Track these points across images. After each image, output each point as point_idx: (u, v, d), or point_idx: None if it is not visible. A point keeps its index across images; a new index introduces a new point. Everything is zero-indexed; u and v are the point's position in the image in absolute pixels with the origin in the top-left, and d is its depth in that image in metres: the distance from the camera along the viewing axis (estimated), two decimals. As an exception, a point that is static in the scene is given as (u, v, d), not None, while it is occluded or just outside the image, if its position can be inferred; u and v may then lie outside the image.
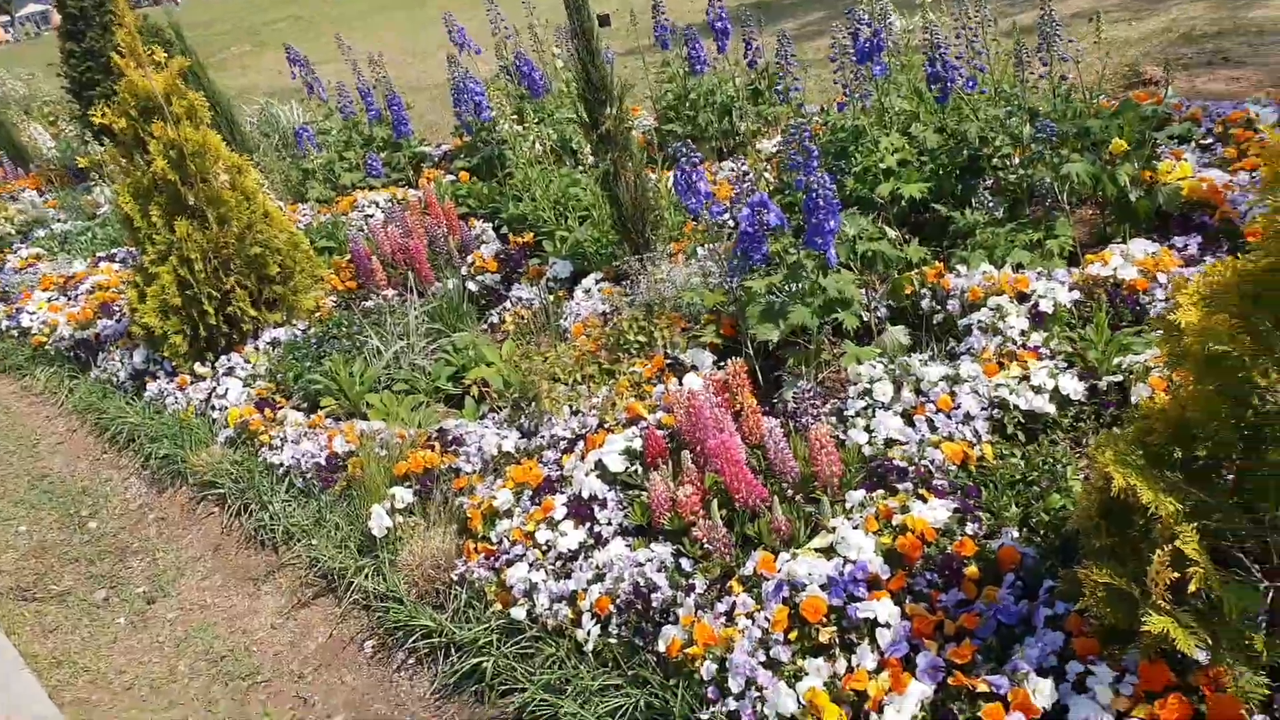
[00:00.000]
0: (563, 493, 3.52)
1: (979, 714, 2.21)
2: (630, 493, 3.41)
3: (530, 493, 3.58)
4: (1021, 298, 3.78)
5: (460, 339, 5.24)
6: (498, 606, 3.25)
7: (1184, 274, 3.72)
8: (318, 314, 6.05)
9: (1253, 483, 2.07)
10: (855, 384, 3.55)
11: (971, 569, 2.59)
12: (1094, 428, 3.18)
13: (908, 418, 3.31)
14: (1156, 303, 3.63)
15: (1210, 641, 1.94)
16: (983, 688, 2.24)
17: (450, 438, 4.16)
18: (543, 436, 3.94)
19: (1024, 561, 2.57)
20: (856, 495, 2.95)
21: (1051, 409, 3.19)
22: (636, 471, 3.47)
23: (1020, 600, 2.46)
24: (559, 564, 3.23)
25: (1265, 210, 1.94)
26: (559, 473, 3.65)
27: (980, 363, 3.44)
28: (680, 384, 3.95)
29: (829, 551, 2.79)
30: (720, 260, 4.33)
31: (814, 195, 3.36)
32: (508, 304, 5.62)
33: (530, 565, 3.25)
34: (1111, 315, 3.73)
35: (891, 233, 4.46)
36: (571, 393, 4.17)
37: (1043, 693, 2.18)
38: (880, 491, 2.98)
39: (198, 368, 5.62)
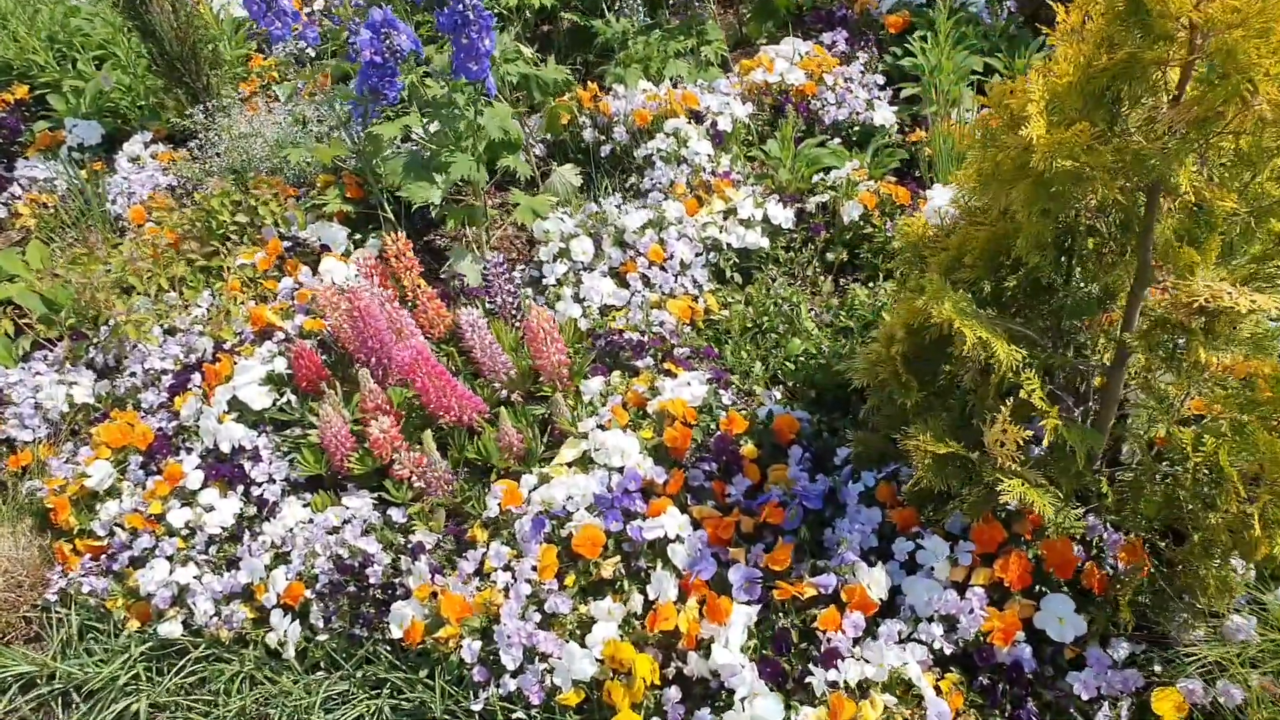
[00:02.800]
0: (189, 450, 2.58)
1: (813, 624, 1.89)
2: (286, 433, 2.57)
3: (140, 458, 2.58)
4: (694, 117, 3.37)
5: (-43, 247, 3.72)
6: (134, 624, 2.32)
7: (846, 74, 3.54)
8: None
9: (1068, 308, 1.87)
10: (545, 244, 2.94)
11: (748, 448, 2.22)
12: (809, 257, 2.92)
13: (619, 277, 2.81)
14: (829, 107, 3.42)
15: (1060, 495, 1.75)
16: (810, 592, 1.91)
17: (-16, 398, 2.91)
18: (132, 374, 2.87)
19: (803, 428, 2.26)
20: (594, 385, 2.42)
21: (765, 243, 2.87)
22: (289, 403, 2.62)
23: (814, 475, 2.15)
24: (215, 550, 2.36)
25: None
26: (175, 422, 2.67)
27: (677, 200, 3.00)
28: (315, 273, 3.07)
29: (584, 463, 2.26)
30: (330, 101, 3.37)
31: (460, 7, 2.57)
32: (15, 188, 4.10)
33: (171, 559, 2.34)
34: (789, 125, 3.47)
35: (526, 50, 3.78)
36: (157, 305, 3.08)
37: (879, 583, 1.90)
38: (617, 374, 2.48)
39: None
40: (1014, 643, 1.81)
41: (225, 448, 2.50)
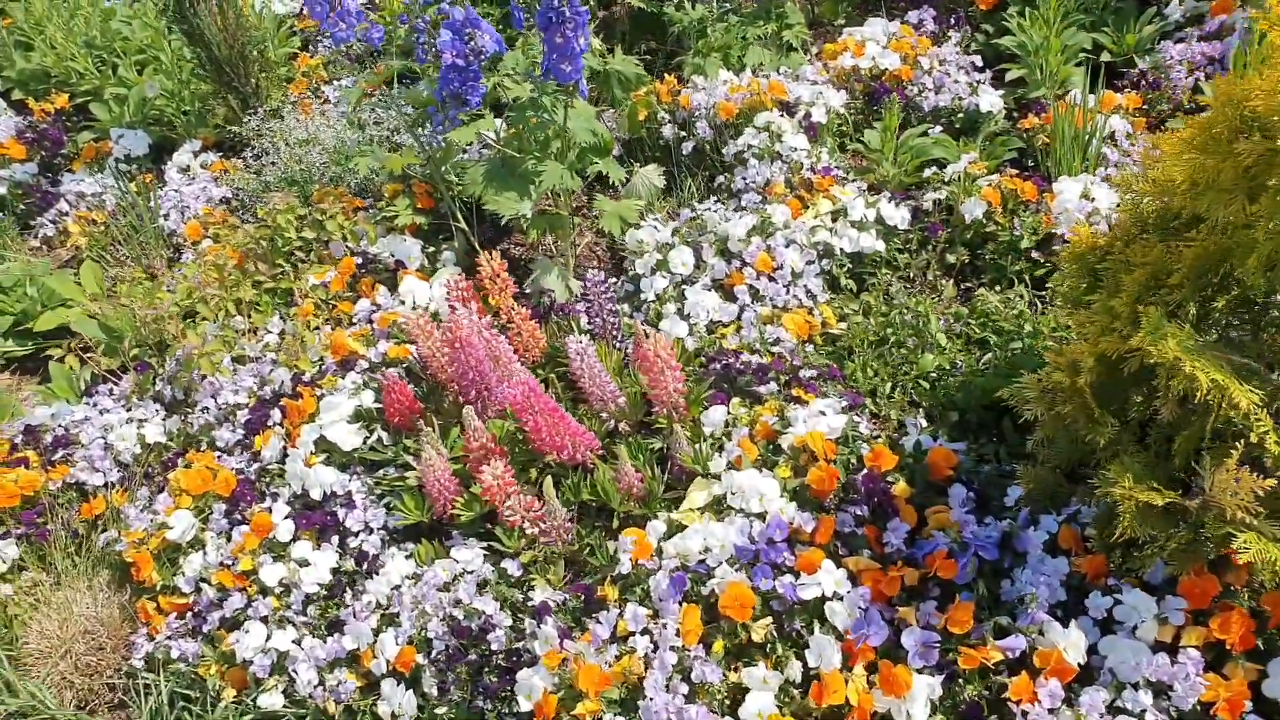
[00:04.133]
0: (274, 495, 2.39)
1: (1002, 694, 1.68)
2: (379, 475, 2.37)
3: (223, 506, 2.40)
4: (783, 108, 3.13)
5: (5, 270, 3.55)
6: (230, 693, 2.15)
7: (940, 54, 3.28)
8: None
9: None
10: (639, 255, 2.73)
11: (900, 486, 2.01)
12: (927, 260, 2.69)
13: (723, 290, 2.59)
14: (927, 92, 3.17)
15: (1304, 551, 1.53)
16: (996, 656, 1.70)
17: (52, 438, 2.73)
18: (204, 409, 2.69)
19: (960, 462, 2.04)
20: (715, 416, 2.21)
21: (880, 245, 2.63)
22: (380, 441, 2.43)
23: (981, 517, 1.93)
24: (314, 611, 2.18)
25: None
26: (256, 464, 2.48)
27: (777, 201, 2.76)
28: (394, 293, 2.87)
29: (717, 507, 2.05)
30: (390, 104, 3.15)
31: (555, 3, 2.35)
32: (64, 204, 3.93)
33: (266, 621, 2.16)
34: (875, 114, 3.23)
35: (595, 41, 3.54)
36: (224, 332, 2.89)
37: (1076, 646, 1.69)
38: (737, 401, 2.27)
39: None
40: (1241, 715, 1.59)
41: (316, 494, 2.31)
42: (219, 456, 2.55)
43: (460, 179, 3.17)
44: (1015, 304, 2.45)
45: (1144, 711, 1.63)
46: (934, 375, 2.36)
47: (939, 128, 3.12)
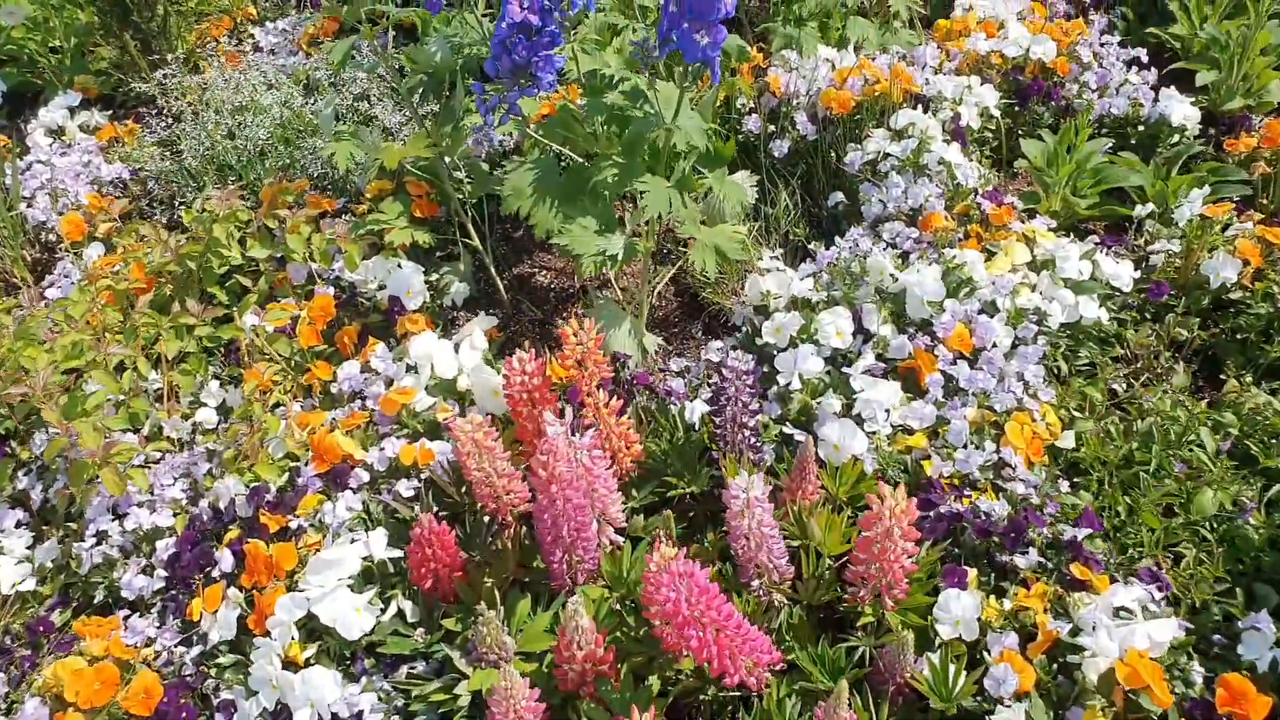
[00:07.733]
0: (226, 709, 1.48)
1: None
2: (403, 674, 1.49)
3: (140, 725, 1.47)
4: (919, 104, 2.34)
5: None
6: None
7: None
8: None
9: None
10: (762, 314, 1.90)
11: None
12: (1157, 338, 1.96)
13: (902, 378, 1.79)
14: (1088, 90, 2.44)
15: None
16: None
17: None
18: (99, 534, 1.73)
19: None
20: (958, 606, 1.40)
21: (1104, 316, 1.89)
22: (402, 616, 1.54)
23: None
24: None
25: None
26: (197, 649, 1.56)
27: (942, 240, 1.98)
28: (392, 348, 1.96)
29: (1006, 788, 1.28)
30: (387, 61, 2.19)
31: (700, -67, 1.49)
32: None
33: None
34: (1029, 119, 2.48)
35: None
36: (132, 400, 1.91)
37: None
38: (974, 573, 1.48)
39: None
40: None
41: (303, 717, 1.42)
42: (125, 621, 1.61)
43: (472, 179, 2.28)
44: (1310, 411, 1.75)
45: None
46: (1216, 520, 1.64)
47: (1107, 142, 2.39)
